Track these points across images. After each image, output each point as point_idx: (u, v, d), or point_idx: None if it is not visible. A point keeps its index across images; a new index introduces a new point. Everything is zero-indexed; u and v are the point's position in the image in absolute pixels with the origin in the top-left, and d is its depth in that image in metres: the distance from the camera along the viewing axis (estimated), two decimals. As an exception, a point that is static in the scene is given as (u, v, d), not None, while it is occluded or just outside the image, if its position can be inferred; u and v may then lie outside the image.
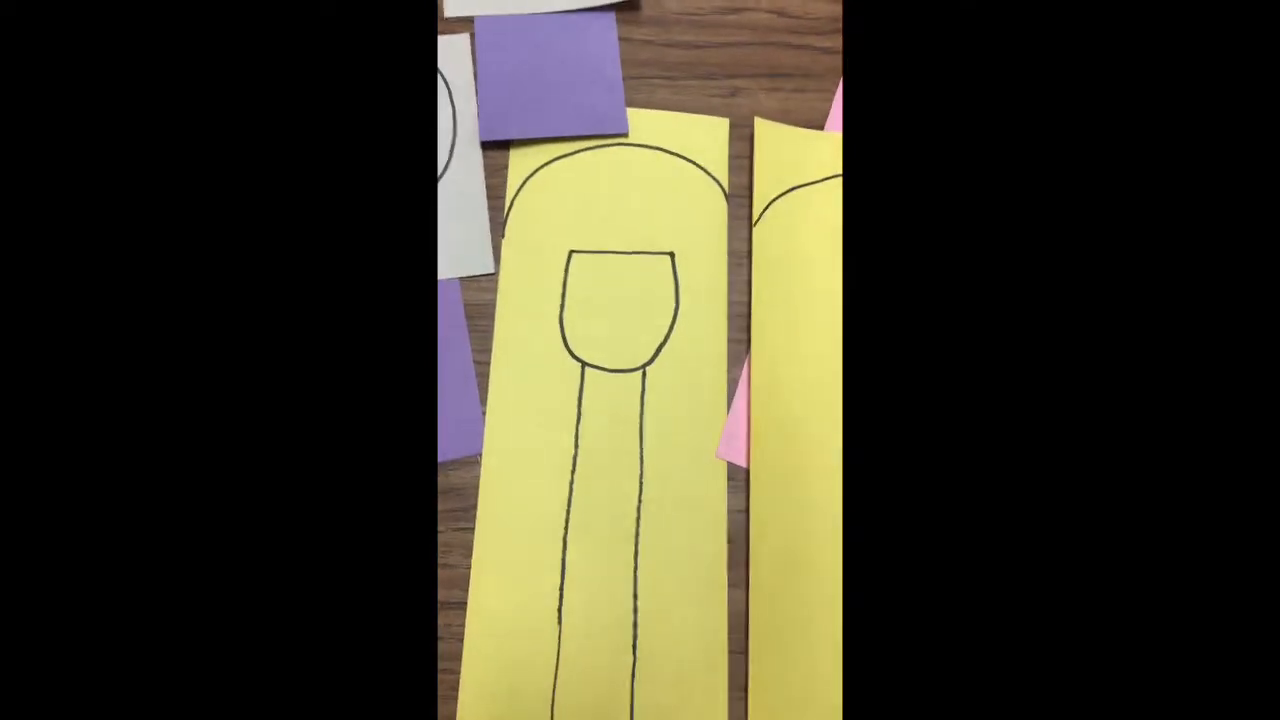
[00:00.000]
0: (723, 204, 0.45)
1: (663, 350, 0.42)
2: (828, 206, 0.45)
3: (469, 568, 0.38)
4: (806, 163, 0.46)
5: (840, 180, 0.46)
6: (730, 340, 0.42)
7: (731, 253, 0.44)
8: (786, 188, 0.45)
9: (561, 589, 0.38)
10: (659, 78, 0.47)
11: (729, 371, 0.42)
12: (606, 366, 0.42)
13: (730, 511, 0.40)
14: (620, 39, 0.47)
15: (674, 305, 0.43)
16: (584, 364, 0.42)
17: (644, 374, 0.42)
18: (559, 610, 0.38)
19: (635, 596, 0.38)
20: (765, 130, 0.46)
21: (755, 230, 0.44)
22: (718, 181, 0.45)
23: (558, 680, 0.37)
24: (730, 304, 0.43)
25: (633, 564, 0.39)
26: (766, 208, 0.44)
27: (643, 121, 0.46)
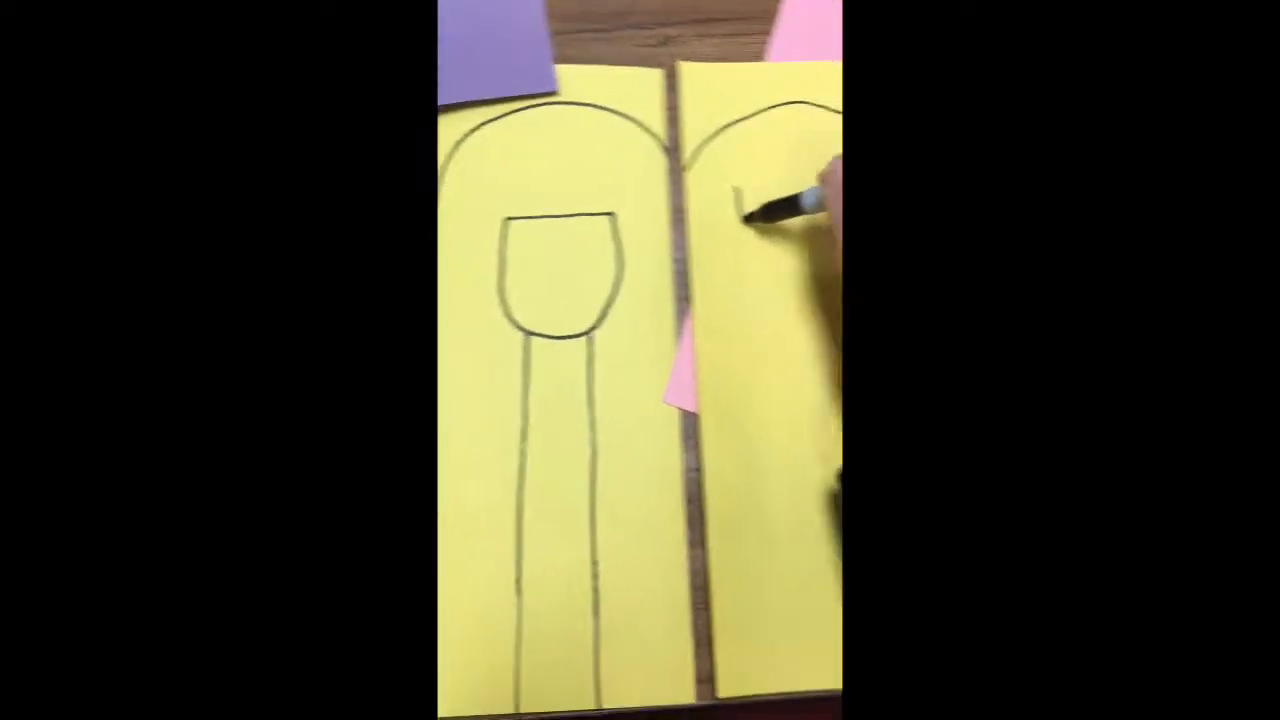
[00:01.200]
0: (661, 158, 0.44)
1: (607, 314, 0.41)
2: (765, 138, 0.44)
3: (425, 547, 0.38)
4: (740, 98, 0.44)
5: (781, 110, 0.44)
6: (676, 299, 0.42)
7: (674, 209, 0.43)
8: (718, 127, 0.44)
9: (519, 560, 0.38)
10: (588, 30, 0.45)
11: (676, 329, 0.41)
12: (551, 334, 0.41)
13: (687, 470, 0.39)
14: (545, -8, 0.45)
15: (617, 267, 0.42)
16: (527, 333, 0.41)
17: (590, 339, 0.41)
18: (517, 581, 0.37)
19: (595, 562, 0.38)
20: (691, 72, 0.44)
21: (687, 176, 0.43)
22: (654, 135, 0.44)
23: (520, 651, 0.37)
24: (674, 261, 0.42)
25: (589, 529, 0.38)
26: (700, 149, 0.43)
27: (573, 78, 0.44)
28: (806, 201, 0.39)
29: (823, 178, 0.37)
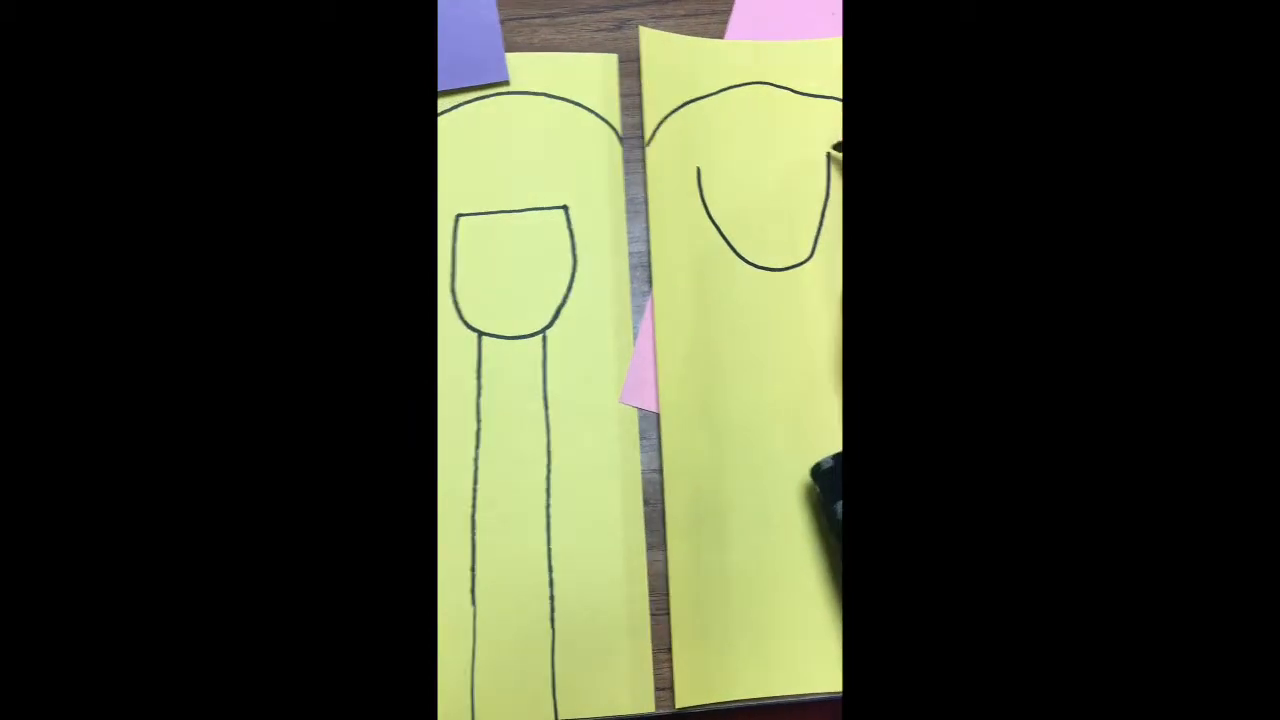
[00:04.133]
0: (617, 147, 0.42)
1: (562, 311, 0.40)
2: (726, 118, 0.42)
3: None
4: (700, 74, 0.43)
5: (742, 90, 0.43)
6: (633, 294, 0.40)
7: (630, 199, 0.41)
8: (680, 102, 0.42)
9: (473, 569, 0.37)
10: (539, 17, 0.43)
11: (634, 327, 0.40)
12: (504, 334, 0.40)
13: (645, 472, 0.38)
14: (494, -23, 0.43)
15: (571, 263, 0.41)
16: (480, 333, 0.40)
17: (544, 338, 0.40)
18: (472, 590, 0.37)
19: (550, 569, 0.37)
20: (653, 41, 0.43)
21: (648, 151, 0.41)
22: (609, 124, 0.42)
23: (475, 661, 0.36)
24: (631, 254, 0.41)
25: (545, 536, 0.37)
26: (659, 125, 0.42)
27: (524, 66, 0.42)
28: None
29: None
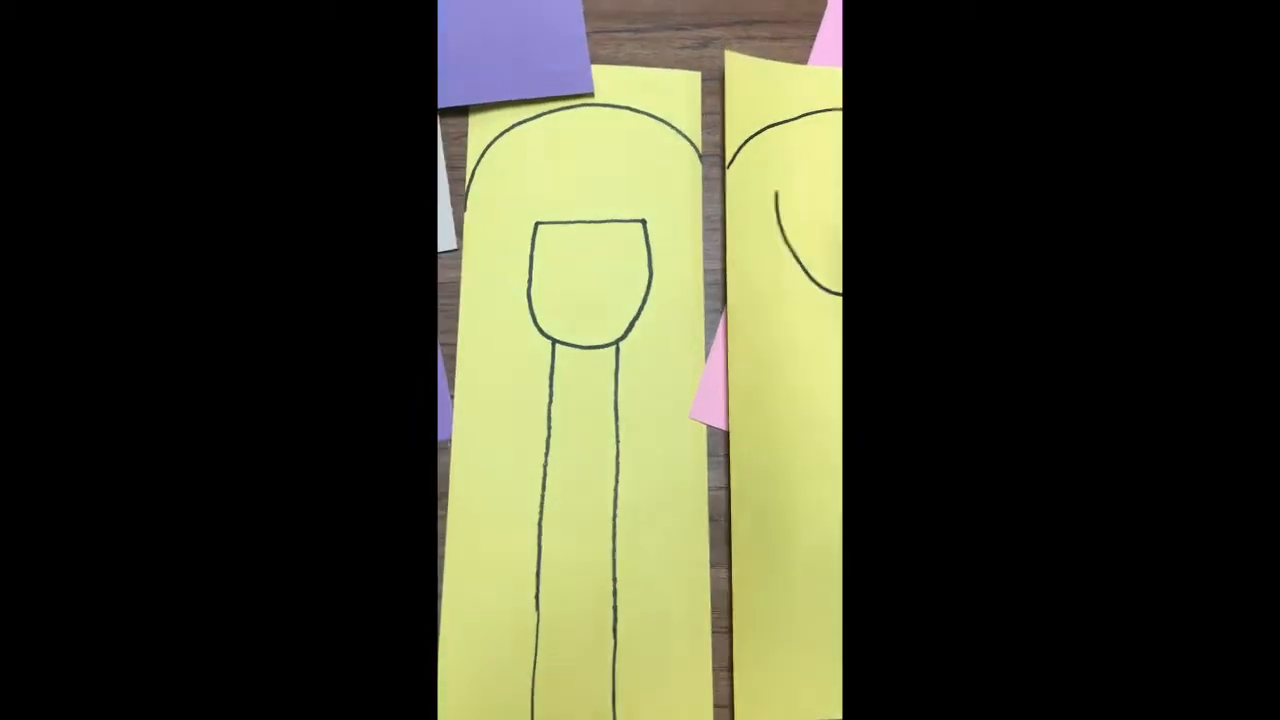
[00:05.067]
0: (696, 165, 0.42)
1: (636, 324, 0.40)
2: (806, 144, 0.42)
3: (442, 557, 0.37)
4: (782, 99, 0.43)
5: (823, 116, 0.43)
6: (706, 311, 0.41)
7: (706, 218, 0.42)
8: (761, 126, 0.43)
9: (538, 575, 0.37)
10: (625, 31, 0.44)
11: (706, 343, 0.40)
12: (578, 343, 0.40)
13: (712, 489, 0.38)
14: (582, -11, 0.44)
15: (647, 276, 0.41)
16: (554, 341, 0.40)
17: (617, 349, 0.40)
18: (536, 597, 0.37)
19: (615, 580, 0.37)
20: (737, 65, 0.43)
21: (729, 172, 0.42)
22: (690, 141, 0.43)
23: (537, 668, 0.36)
24: (705, 271, 0.41)
25: (611, 546, 0.38)
26: (740, 148, 0.42)
27: (608, 79, 0.43)
28: None
29: None
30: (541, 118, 0.43)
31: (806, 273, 0.41)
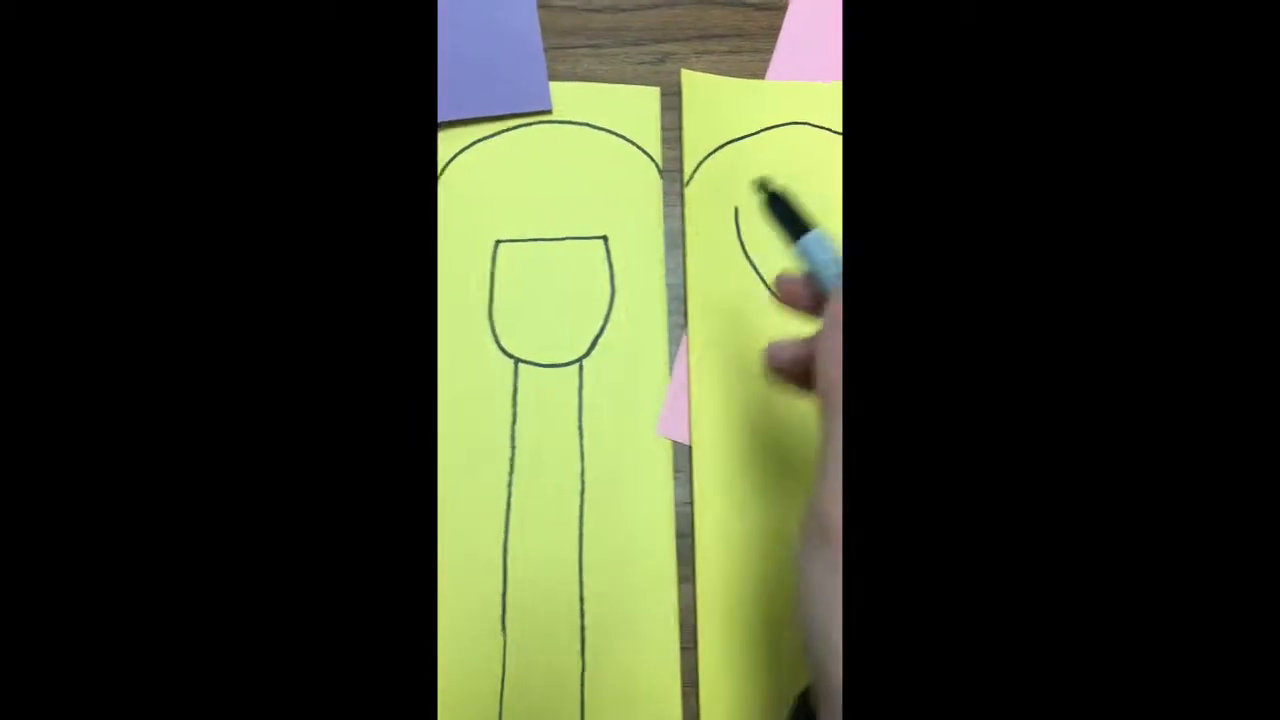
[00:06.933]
0: (657, 180, 0.42)
1: (599, 341, 0.40)
2: (765, 160, 0.43)
3: (408, 581, 0.37)
4: (740, 115, 0.43)
5: (782, 130, 0.43)
6: (670, 326, 0.41)
7: (668, 232, 0.42)
8: (720, 143, 0.43)
9: (504, 597, 0.37)
10: (582, 47, 0.44)
11: (670, 359, 0.40)
12: (540, 362, 0.40)
13: (678, 505, 0.38)
14: (539, 6, 0.44)
15: (609, 293, 0.41)
16: (517, 360, 0.40)
17: (580, 367, 0.40)
18: (502, 619, 0.37)
19: (582, 599, 0.37)
20: (694, 82, 0.43)
21: (688, 190, 0.42)
22: (650, 156, 0.43)
23: (504, 690, 0.36)
24: (668, 287, 0.41)
25: (578, 566, 0.37)
26: (699, 166, 0.42)
27: (567, 95, 0.43)
28: (812, 252, 0.29)
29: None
30: (499, 135, 0.42)
31: (769, 288, 0.41)
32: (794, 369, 0.29)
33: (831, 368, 0.24)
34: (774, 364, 0.30)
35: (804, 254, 0.29)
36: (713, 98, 0.43)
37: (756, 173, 0.42)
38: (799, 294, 0.30)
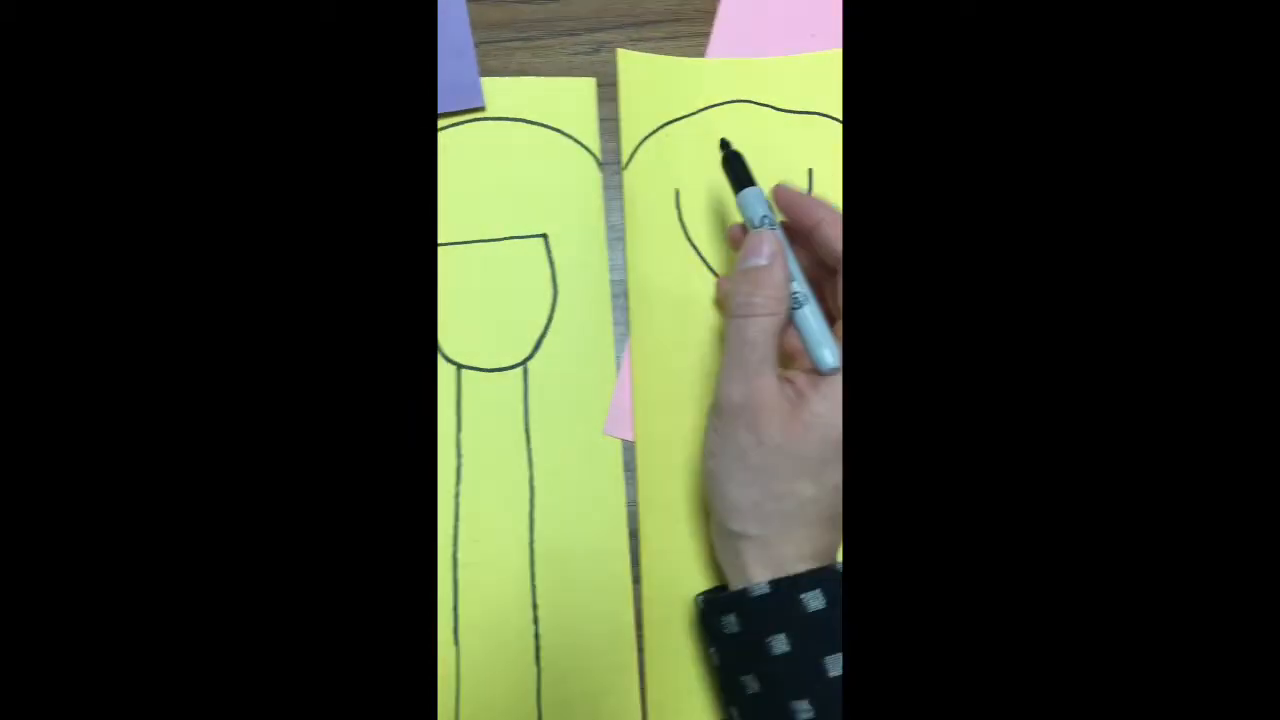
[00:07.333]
0: (596, 174, 0.41)
1: (543, 342, 0.39)
2: (707, 138, 0.41)
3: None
4: (680, 94, 0.42)
5: (722, 109, 0.42)
6: (615, 323, 0.40)
7: (610, 226, 0.41)
8: (659, 124, 0.42)
9: (456, 610, 0.36)
10: (514, 40, 0.43)
11: (617, 356, 0.39)
12: (484, 366, 0.39)
13: (630, 504, 0.38)
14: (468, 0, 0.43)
15: (552, 292, 0.40)
16: (459, 366, 0.39)
17: (525, 370, 0.39)
18: (455, 631, 0.36)
19: (535, 606, 0.36)
20: (630, 63, 0.42)
21: (625, 175, 0.41)
22: (588, 149, 0.42)
23: (459, 703, 0.35)
24: (612, 283, 0.40)
25: (530, 573, 0.37)
26: (637, 148, 0.41)
27: (500, 91, 0.42)
28: (748, 203, 0.34)
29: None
30: (433, 136, 0.41)
31: (711, 270, 0.40)
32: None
33: (728, 284, 0.33)
34: (719, 294, 0.39)
35: (742, 203, 0.35)
36: (651, 77, 0.42)
37: (697, 154, 0.41)
38: (739, 238, 0.36)
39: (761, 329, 0.30)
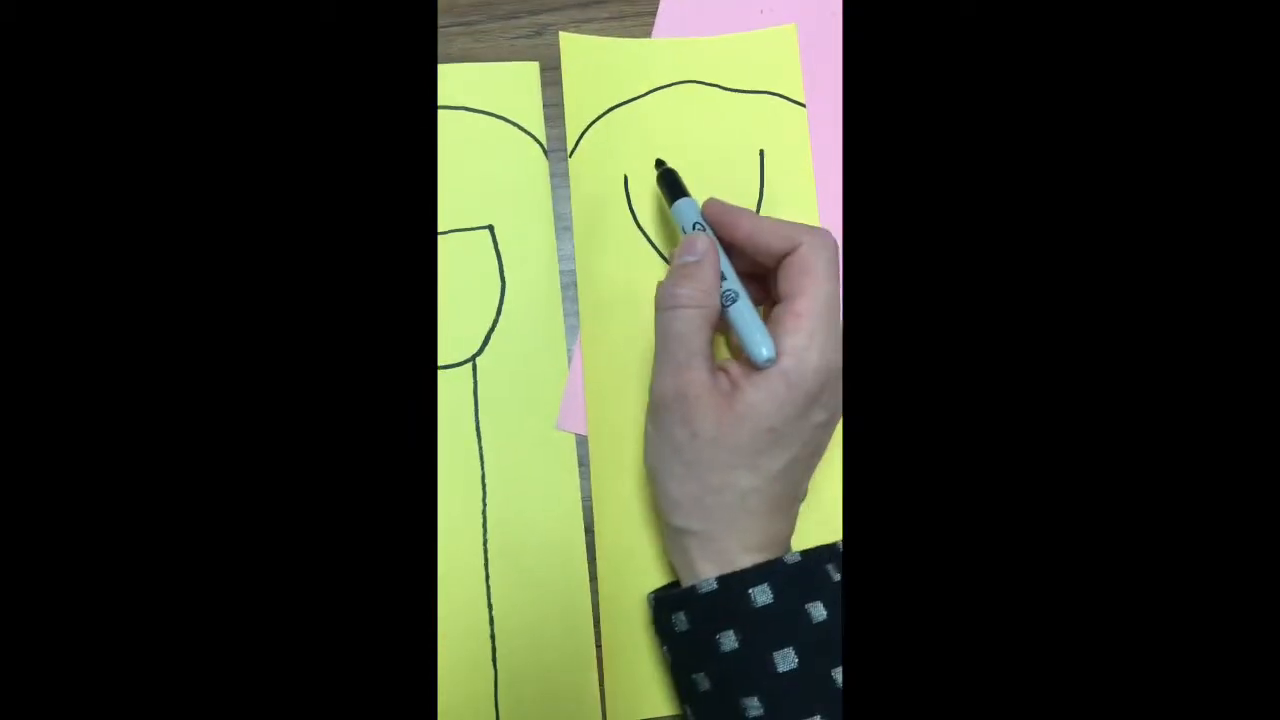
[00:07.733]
0: (542, 161, 0.40)
1: (491, 337, 0.38)
2: (656, 120, 0.40)
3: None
4: (627, 77, 0.41)
5: (671, 90, 0.41)
6: (566, 314, 0.39)
7: (558, 216, 0.40)
8: (605, 108, 0.40)
9: (409, 613, 0.35)
10: (453, 25, 0.41)
11: (568, 349, 0.38)
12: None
13: (585, 500, 0.37)
14: (404, -15, 0.41)
15: (499, 285, 0.39)
16: (406, 365, 0.38)
17: (474, 366, 0.38)
18: (409, 636, 0.35)
19: (490, 607, 0.36)
20: (573, 46, 0.41)
21: (571, 162, 0.40)
22: (533, 136, 0.40)
23: (416, 709, 0.35)
24: (562, 273, 0.39)
25: (484, 574, 0.36)
26: (583, 134, 0.40)
27: (440, 78, 0.40)
28: (681, 214, 0.35)
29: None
30: (371, 128, 0.40)
31: (663, 257, 0.39)
32: None
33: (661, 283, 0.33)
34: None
35: (676, 214, 0.36)
36: (595, 60, 0.41)
37: (646, 138, 0.40)
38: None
39: (687, 321, 0.30)
